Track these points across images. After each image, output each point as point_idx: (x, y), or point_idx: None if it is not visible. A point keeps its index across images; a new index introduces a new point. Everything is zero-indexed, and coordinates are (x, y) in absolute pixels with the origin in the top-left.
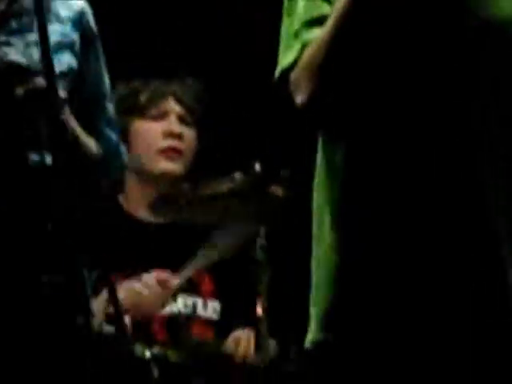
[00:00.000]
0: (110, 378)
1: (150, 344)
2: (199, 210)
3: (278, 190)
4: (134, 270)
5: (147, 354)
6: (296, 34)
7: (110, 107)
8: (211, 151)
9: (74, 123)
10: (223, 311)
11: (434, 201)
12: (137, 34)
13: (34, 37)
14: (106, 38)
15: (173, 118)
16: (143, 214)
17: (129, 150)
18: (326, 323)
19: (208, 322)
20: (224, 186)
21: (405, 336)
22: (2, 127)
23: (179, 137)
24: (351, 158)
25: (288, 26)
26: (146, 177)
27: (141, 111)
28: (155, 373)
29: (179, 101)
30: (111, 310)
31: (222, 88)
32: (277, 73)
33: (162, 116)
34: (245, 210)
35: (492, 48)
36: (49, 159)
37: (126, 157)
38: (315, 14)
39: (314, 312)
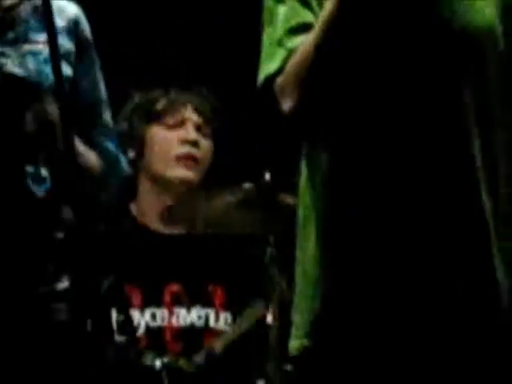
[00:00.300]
0: None
1: (161, 354)
2: (211, 220)
3: (287, 199)
4: (146, 281)
5: (158, 363)
6: (280, 42)
7: (107, 115)
8: (221, 161)
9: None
10: (235, 322)
11: (419, 205)
12: (142, 43)
13: (28, 47)
14: (111, 46)
15: (190, 127)
16: (156, 224)
17: (144, 157)
18: (313, 330)
19: (220, 334)
20: (234, 197)
21: (391, 346)
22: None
23: (196, 144)
24: (336, 165)
25: (270, 33)
26: (161, 184)
27: (158, 119)
28: (166, 382)
29: (197, 110)
30: (121, 318)
31: (231, 96)
32: (260, 80)
33: (180, 124)
34: (255, 219)
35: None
36: (45, 172)
37: (125, 166)
38: (298, 21)
39: (299, 319)
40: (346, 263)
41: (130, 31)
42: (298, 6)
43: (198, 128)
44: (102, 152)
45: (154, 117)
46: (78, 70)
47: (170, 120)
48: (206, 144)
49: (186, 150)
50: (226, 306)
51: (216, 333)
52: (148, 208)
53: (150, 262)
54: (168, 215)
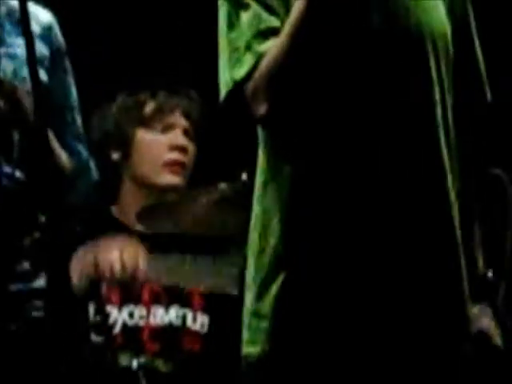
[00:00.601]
0: None
1: (138, 354)
2: (185, 220)
3: None
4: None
5: (134, 363)
6: (248, 47)
7: (79, 120)
8: (198, 161)
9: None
10: (211, 325)
11: (386, 207)
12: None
13: (5, 50)
14: (102, 48)
15: (178, 132)
16: (138, 225)
17: (129, 159)
18: (271, 336)
19: (196, 335)
20: (210, 196)
21: (351, 349)
22: None
23: (184, 150)
24: (303, 167)
25: (233, 39)
26: (146, 187)
27: (146, 123)
28: (143, 383)
29: (186, 115)
30: (98, 319)
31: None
32: (227, 85)
33: (168, 129)
34: (231, 219)
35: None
36: (19, 173)
37: (94, 173)
38: (265, 25)
39: (255, 323)
40: (305, 265)
41: (112, 32)
42: (262, 11)
43: (186, 132)
44: (74, 154)
45: (142, 120)
46: (52, 75)
47: (159, 124)
48: (191, 148)
49: (174, 156)
50: (204, 309)
51: (193, 333)
52: (130, 209)
53: None
54: (148, 215)
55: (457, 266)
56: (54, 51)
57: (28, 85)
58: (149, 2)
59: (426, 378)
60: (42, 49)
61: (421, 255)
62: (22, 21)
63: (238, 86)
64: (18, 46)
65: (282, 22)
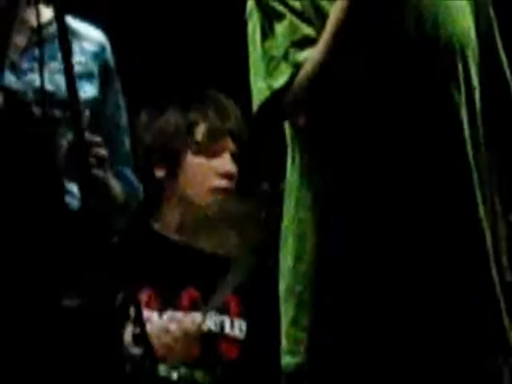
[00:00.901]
0: None
1: (177, 366)
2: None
3: None
4: (165, 288)
5: (174, 374)
6: (285, 56)
7: (127, 142)
8: None
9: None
10: (249, 330)
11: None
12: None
13: (58, 65)
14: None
15: (227, 156)
16: (177, 236)
17: (176, 179)
18: (309, 347)
19: (234, 341)
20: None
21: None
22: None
23: (232, 177)
24: (339, 166)
25: (269, 47)
26: (190, 206)
27: (196, 147)
28: None
29: (236, 139)
30: (137, 330)
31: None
32: (263, 94)
33: (217, 153)
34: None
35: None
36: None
37: (141, 193)
38: (301, 35)
39: (293, 335)
40: (343, 275)
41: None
42: (298, 21)
43: (233, 155)
44: (124, 181)
45: (193, 144)
46: (103, 94)
47: (209, 149)
48: (236, 170)
49: (222, 184)
50: (241, 315)
51: (231, 339)
52: (171, 222)
53: (168, 268)
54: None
55: (488, 272)
56: (107, 71)
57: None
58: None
59: None
60: (93, 67)
61: (451, 261)
62: (60, 34)
63: (276, 95)
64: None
65: (318, 34)
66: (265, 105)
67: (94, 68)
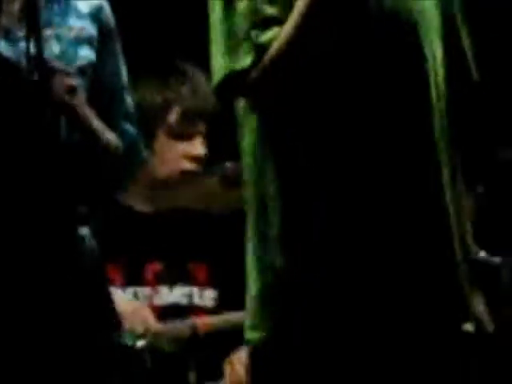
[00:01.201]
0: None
1: (142, 334)
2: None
3: None
4: (128, 260)
5: (139, 343)
6: (246, 35)
7: (128, 99)
8: None
9: (90, 113)
10: (219, 298)
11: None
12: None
13: (52, 31)
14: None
15: (199, 141)
16: (140, 205)
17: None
18: (275, 322)
19: (205, 311)
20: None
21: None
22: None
23: (201, 160)
24: (300, 150)
25: (229, 26)
26: (157, 182)
27: (169, 130)
28: (148, 362)
29: (208, 123)
30: None
31: None
32: (223, 72)
33: (189, 137)
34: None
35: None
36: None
37: (143, 149)
38: (262, 15)
39: (258, 309)
40: (311, 254)
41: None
42: (260, 0)
43: (203, 137)
44: (121, 133)
45: (165, 125)
46: (101, 55)
47: (182, 133)
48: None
49: (192, 167)
50: (211, 283)
51: (201, 309)
52: (134, 192)
53: (132, 241)
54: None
55: (451, 252)
56: (104, 31)
57: (74, 66)
58: None
59: (427, 361)
60: (90, 28)
61: (416, 244)
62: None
63: (238, 75)
64: (65, 27)
65: (283, 13)
66: (224, 83)
67: (92, 31)
